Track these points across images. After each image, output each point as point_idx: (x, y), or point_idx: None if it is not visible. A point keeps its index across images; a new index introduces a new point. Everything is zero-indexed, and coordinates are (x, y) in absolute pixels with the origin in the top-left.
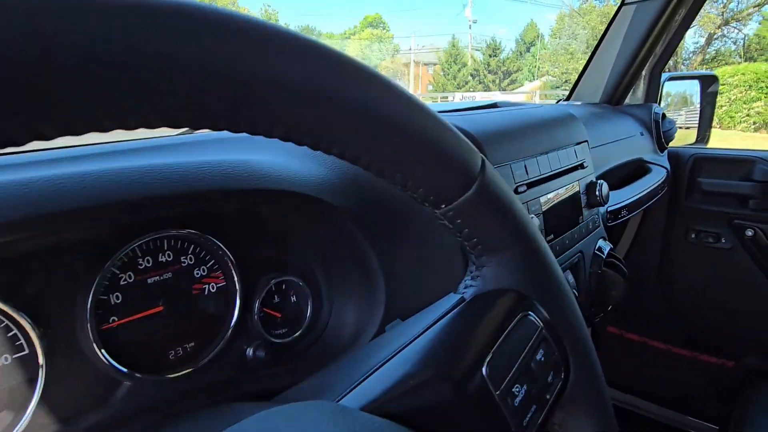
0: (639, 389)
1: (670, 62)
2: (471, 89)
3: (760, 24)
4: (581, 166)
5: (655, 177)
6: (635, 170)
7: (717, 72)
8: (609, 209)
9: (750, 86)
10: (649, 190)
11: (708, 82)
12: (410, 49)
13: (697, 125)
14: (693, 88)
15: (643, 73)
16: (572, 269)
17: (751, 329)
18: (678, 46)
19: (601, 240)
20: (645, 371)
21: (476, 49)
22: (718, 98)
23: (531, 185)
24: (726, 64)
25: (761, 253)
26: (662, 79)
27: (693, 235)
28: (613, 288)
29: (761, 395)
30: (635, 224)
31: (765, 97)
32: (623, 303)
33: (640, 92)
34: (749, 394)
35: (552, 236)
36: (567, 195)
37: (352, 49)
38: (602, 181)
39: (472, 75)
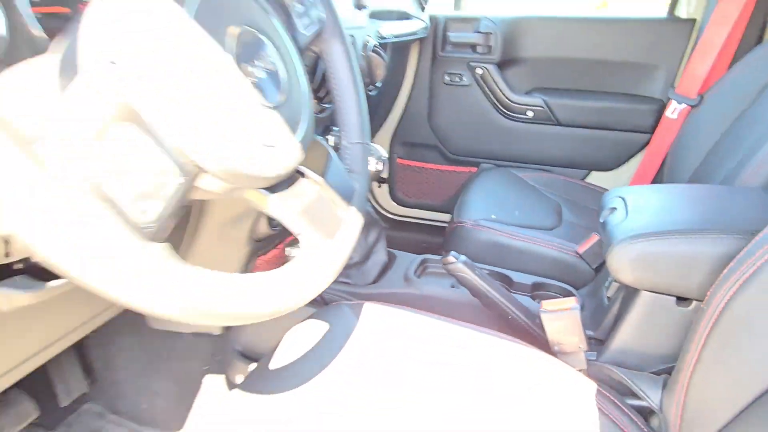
0: (417, 202)
1: None
2: None
3: None
4: None
5: (417, 24)
6: (399, 17)
7: None
8: (381, 31)
9: None
10: (411, 30)
11: None
12: None
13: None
14: None
15: None
16: None
17: (486, 144)
18: None
19: (368, 36)
20: (425, 187)
21: None
22: None
23: None
24: None
25: (486, 84)
26: None
27: (447, 78)
28: (377, 68)
29: (475, 181)
30: (409, 85)
31: None
32: (406, 138)
33: None
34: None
35: None
36: None
37: None
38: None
39: None
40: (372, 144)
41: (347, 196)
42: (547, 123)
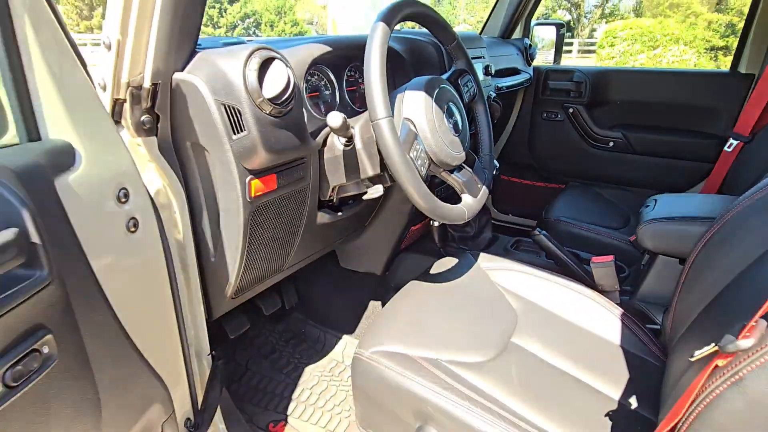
0: (513, 209)
1: (574, 14)
2: None
3: None
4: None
5: (523, 76)
6: (513, 72)
7: (610, 27)
8: (498, 84)
9: (635, 40)
10: (518, 81)
11: (559, 27)
12: None
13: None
14: (552, 30)
15: (522, 20)
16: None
17: (573, 166)
18: (535, 7)
19: (490, 92)
20: (520, 199)
21: None
22: (611, 50)
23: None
24: (622, 18)
25: (576, 120)
26: (532, 24)
27: (545, 115)
28: (495, 112)
29: (563, 194)
30: (514, 118)
31: (648, 50)
32: (509, 159)
33: (519, 32)
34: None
35: None
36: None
37: None
38: (491, 64)
39: None
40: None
41: (482, 179)
42: (626, 152)
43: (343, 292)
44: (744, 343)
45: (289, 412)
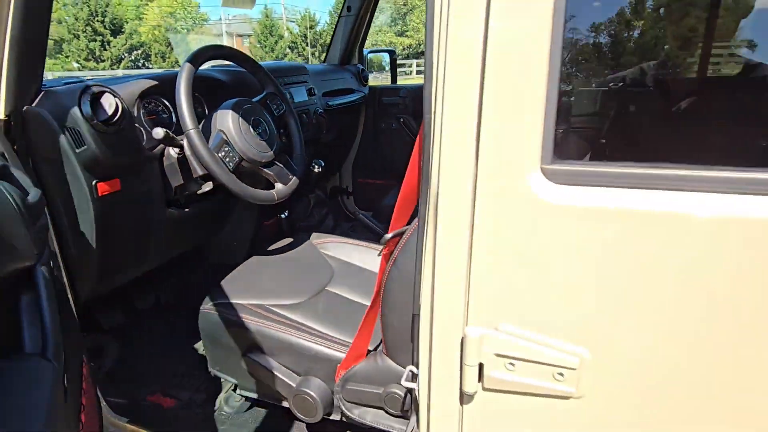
0: (373, 206)
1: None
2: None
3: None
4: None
5: (357, 95)
6: (348, 92)
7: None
8: (329, 102)
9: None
10: (351, 99)
11: (391, 53)
12: (221, 19)
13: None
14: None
15: (356, 50)
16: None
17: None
18: (365, 38)
19: (317, 108)
20: (374, 196)
21: (291, 21)
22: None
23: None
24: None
25: (407, 127)
26: (365, 53)
27: (383, 125)
28: (322, 124)
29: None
30: (361, 130)
31: None
32: (362, 164)
33: (355, 59)
34: None
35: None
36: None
37: (151, 17)
38: (313, 87)
39: (290, 47)
40: (318, 159)
41: (293, 172)
42: None
43: (214, 276)
44: (387, 235)
45: (165, 383)
